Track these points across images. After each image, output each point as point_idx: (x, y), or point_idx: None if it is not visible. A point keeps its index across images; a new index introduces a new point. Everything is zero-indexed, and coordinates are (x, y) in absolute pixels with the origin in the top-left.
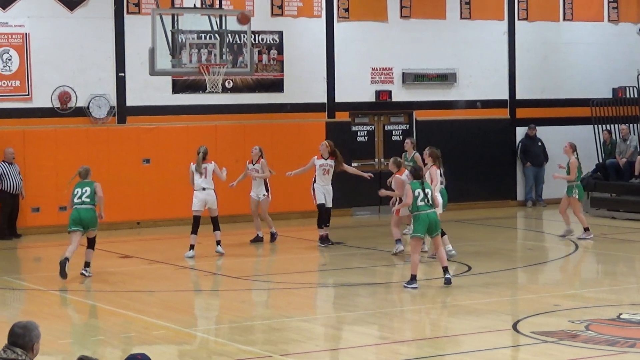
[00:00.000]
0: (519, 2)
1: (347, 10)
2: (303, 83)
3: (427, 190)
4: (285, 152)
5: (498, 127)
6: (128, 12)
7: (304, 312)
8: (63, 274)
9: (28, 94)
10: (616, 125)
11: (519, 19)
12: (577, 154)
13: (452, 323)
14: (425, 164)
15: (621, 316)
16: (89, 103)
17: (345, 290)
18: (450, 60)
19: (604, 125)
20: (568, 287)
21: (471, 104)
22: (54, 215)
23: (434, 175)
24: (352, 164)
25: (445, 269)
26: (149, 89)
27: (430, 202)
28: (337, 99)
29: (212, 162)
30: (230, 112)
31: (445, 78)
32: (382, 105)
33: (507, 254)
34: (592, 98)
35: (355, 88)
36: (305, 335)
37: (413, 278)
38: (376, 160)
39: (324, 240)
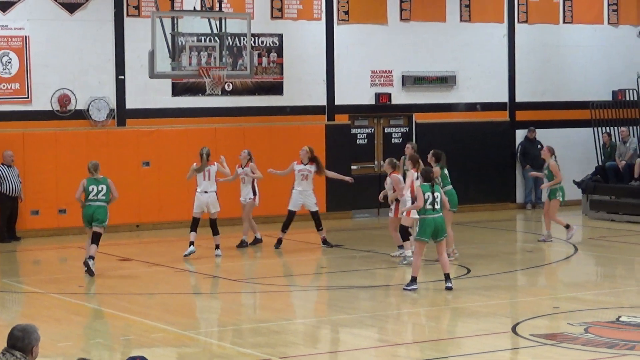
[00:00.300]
0: (518, 4)
1: (347, 12)
2: (303, 86)
3: (436, 193)
4: (284, 155)
5: (498, 130)
6: (128, 15)
7: (303, 314)
8: (90, 272)
9: (28, 97)
10: (616, 128)
11: (518, 21)
12: (556, 157)
13: (452, 325)
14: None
15: (620, 319)
16: (88, 106)
17: (344, 293)
18: (450, 62)
19: (603, 128)
20: (567, 289)
21: (471, 107)
22: (53, 218)
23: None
24: (352, 167)
25: (447, 277)
26: (148, 92)
27: (439, 206)
28: (337, 102)
29: (215, 162)
30: (230, 115)
31: (445, 81)
32: (382, 107)
33: (506, 256)
34: (592, 101)
35: (355, 91)
36: (304, 338)
37: (413, 280)
38: (376, 162)
39: (325, 242)
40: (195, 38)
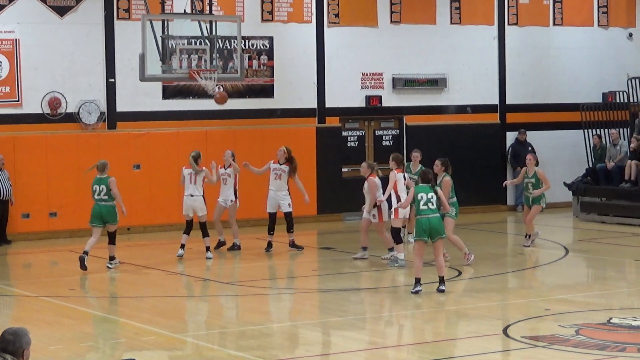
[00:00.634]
0: (509, 7)
1: (337, 15)
2: (293, 88)
3: (431, 194)
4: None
5: (488, 132)
6: (118, 18)
7: (295, 317)
8: (83, 266)
9: (18, 100)
10: (606, 130)
11: (509, 23)
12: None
13: (443, 328)
14: (435, 175)
15: (611, 320)
16: (79, 109)
17: (335, 296)
18: (440, 65)
19: (594, 130)
20: (558, 291)
21: (461, 109)
22: (44, 222)
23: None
24: (343, 169)
25: (441, 279)
26: (139, 95)
27: (434, 206)
28: (328, 104)
29: (204, 168)
30: (221, 118)
31: (436, 83)
32: (373, 110)
33: (497, 258)
34: (582, 103)
35: (345, 93)
36: (295, 341)
37: (417, 282)
38: None
39: (293, 245)
40: (185, 41)
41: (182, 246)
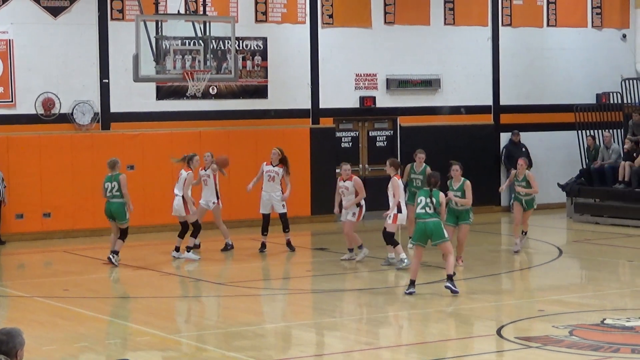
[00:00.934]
0: (502, 8)
1: (331, 16)
2: (287, 89)
3: (433, 199)
4: (269, 159)
5: (482, 133)
6: (112, 19)
7: (288, 318)
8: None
9: (12, 101)
10: (600, 131)
11: (502, 24)
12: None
13: (436, 328)
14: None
15: (605, 321)
16: (73, 109)
17: (329, 296)
18: (434, 66)
19: (587, 131)
20: (552, 292)
21: (455, 110)
22: (37, 222)
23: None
24: (337, 170)
25: (449, 277)
26: (133, 95)
27: (432, 210)
28: (322, 105)
29: (189, 172)
30: (215, 119)
31: (430, 84)
32: (367, 111)
33: (491, 259)
34: (576, 104)
35: (339, 94)
36: (289, 341)
37: (411, 283)
38: (360, 166)
39: (289, 244)
40: (179, 41)
41: (176, 248)
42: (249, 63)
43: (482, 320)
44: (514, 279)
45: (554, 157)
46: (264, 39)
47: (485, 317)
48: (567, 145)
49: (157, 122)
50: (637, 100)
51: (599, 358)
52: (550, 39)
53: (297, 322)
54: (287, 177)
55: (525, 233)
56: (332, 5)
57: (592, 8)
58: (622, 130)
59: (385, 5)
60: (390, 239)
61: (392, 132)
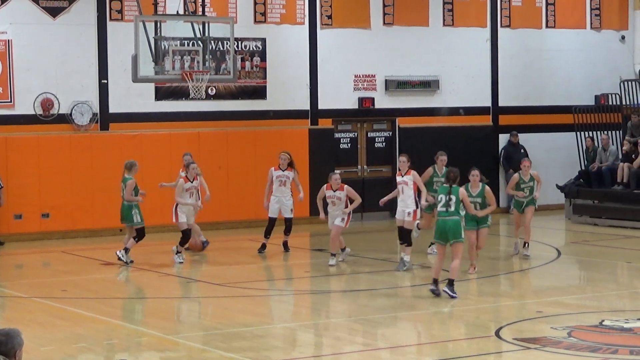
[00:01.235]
0: (501, 9)
1: (330, 17)
2: (286, 90)
3: (452, 196)
4: (268, 160)
5: (481, 134)
6: (111, 19)
7: (287, 318)
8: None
9: (10, 101)
10: (599, 132)
11: (501, 26)
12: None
13: (435, 330)
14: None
15: (603, 323)
16: (71, 110)
17: (328, 297)
18: (433, 67)
19: (586, 132)
20: (550, 293)
21: (454, 111)
22: (36, 222)
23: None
24: (336, 171)
25: (450, 282)
26: (131, 96)
27: (452, 208)
28: (320, 106)
29: (180, 179)
30: (213, 119)
31: (428, 85)
32: (365, 112)
33: (489, 260)
34: (575, 105)
35: (338, 95)
36: (288, 342)
37: (434, 282)
38: (359, 167)
39: (285, 245)
40: (178, 42)
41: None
42: (247, 64)
43: (480, 321)
44: (512, 280)
45: (552, 158)
46: (263, 40)
47: (484, 318)
48: (565, 146)
49: (156, 122)
50: (635, 102)
51: (597, 359)
52: (549, 40)
53: (296, 323)
54: (297, 178)
55: (528, 245)
56: (331, 6)
57: (591, 9)
58: (621, 131)
59: (384, 6)
60: (407, 236)
61: (390, 133)
